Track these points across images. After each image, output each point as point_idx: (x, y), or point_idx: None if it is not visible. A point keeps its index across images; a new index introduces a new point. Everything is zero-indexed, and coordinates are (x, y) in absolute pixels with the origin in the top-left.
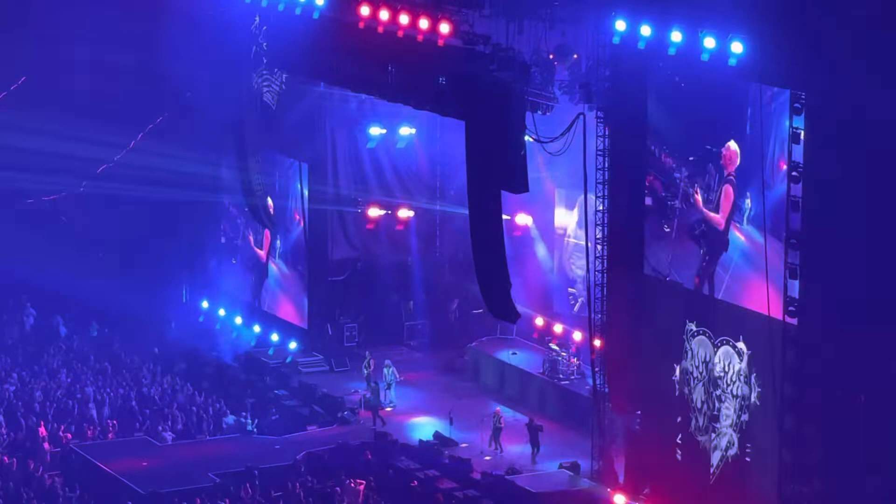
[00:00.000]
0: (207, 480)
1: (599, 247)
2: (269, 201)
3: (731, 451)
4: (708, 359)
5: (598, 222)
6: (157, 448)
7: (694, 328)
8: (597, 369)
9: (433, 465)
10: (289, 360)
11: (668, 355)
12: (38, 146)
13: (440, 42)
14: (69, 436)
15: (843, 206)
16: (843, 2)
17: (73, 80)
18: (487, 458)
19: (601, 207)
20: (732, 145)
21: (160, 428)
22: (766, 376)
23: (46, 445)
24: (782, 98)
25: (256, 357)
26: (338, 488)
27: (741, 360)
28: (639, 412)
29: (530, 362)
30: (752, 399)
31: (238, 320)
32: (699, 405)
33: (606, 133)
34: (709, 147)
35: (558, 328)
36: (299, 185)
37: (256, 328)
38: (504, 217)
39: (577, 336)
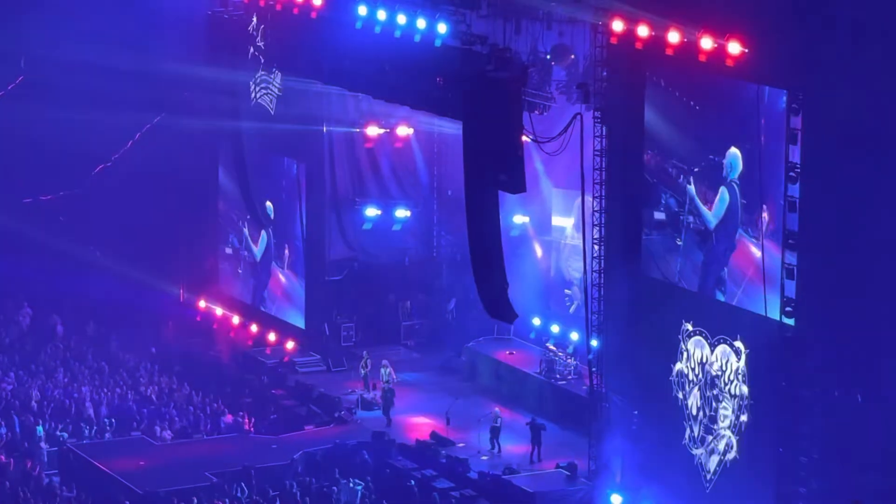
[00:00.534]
0: (204, 480)
1: (597, 247)
2: (267, 201)
3: (730, 455)
4: (704, 359)
5: (596, 222)
6: (155, 448)
7: (690, 328)
8: (594, 369)
9: (430, 465)
10: (286, 359)
11: (664, 355)
12: (36, 146)
13: (437, 42)
14: (66, 435)
15: (840, 207)
16: (840, 2)
17: (70, 79)
18: (484, 457)
19: (598, 208)
20: (733, 150)
21: (157, 427)
22: (763, 376)
23: (44, 445)
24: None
25: (254, 356)
26: (335, 488)
27: (739, 359)
28: (636, 412)
29: (527, 362)
30: (750, 399)
31: (235, 320)
32: (694, 412)
33: (604, 133)
34: (711, 156)
35: (555, 328)
36: (297, 185)
37: (254, 328)
38: (501, 217)
39: (575, 336)
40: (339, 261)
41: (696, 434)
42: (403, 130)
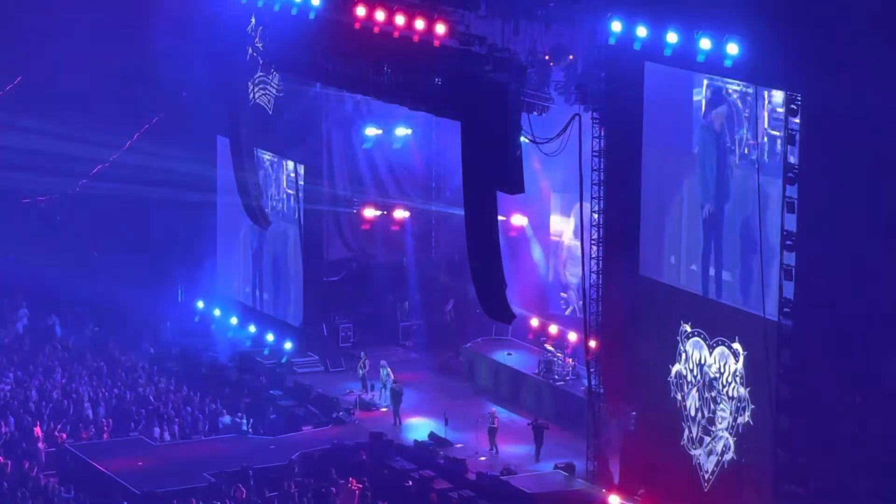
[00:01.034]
0: (202, 480)
1: (595, 248)
2: (265, 201)
3: (727, 456)
4: (703, 361)
5: (594, 223)
6: (153, 448)
7: (688, 329)
8: (592, 370)
9: (428, 466)
10: (284, 360)
11: (663, 356)
12: (34, 146)
13: (436, 43)
14: (64, 436)
15: (838, 208)
16: (838, 2)
17: (68, 80)
18: (482, 458)
19: (597, 208)
20: None
21: (155, 428)
22: (761, 377)
23: (42, 445)
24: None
25: (252, 357)
26: (333, 489)
27: (737, 361)
28: (634, 413)
29: (525, 363)
30: (748, 400)
31: (233, 320)
32: (693, 413)
33: (602, 134)
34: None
35: (553, 329)
36: (295, 186)
37: (252, 328)
38: (499, 218)
39: (573, 337)
40: (337, 261)
41: (694, 435)
42: (402, 131)
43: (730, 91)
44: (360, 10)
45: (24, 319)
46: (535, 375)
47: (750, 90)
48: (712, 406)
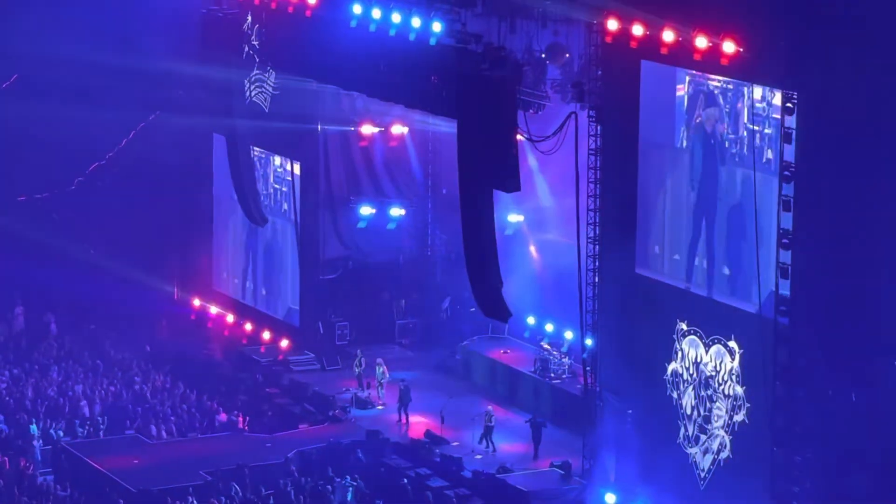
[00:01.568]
0: (199, 478)
1: (591, 245)
2: (261, 200)
3: (723, 454)
4: (699, 359)
5: (590, 221)
6: (149, 446)
7: (684, 328)
8: (588, 368)
9: (424, 464)
10: (281, 358)
11: (659, 354)
12: (31, 143)
13: (432, 41)
14: (60, 433)
15: (834, 206)
16: (835, 1)
17: (65, 77)
18: (479, 456)
19: (593, 206)
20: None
21: (151, 426)
22: (757, 376)
23: (37, 443)
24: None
25: (248, 355)
26: (329, 486)
27: (733, 360)
28: (630, 411)
29: (522, 361)
30: (744, 399)
31: (230, 318)
32: (689, 411)
33: (598, 132)
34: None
35: (550, 327)
36: (291, 184)
37: (248, 326)
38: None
39: (569, 335)
40: (333, 259)
41: (690, 433)
42: (398, 129)
43: (711, 87)
44: (357, 8)
45: (20, 317)
46: (531, 374)
47: (731, 86)
48: (708, 404)
